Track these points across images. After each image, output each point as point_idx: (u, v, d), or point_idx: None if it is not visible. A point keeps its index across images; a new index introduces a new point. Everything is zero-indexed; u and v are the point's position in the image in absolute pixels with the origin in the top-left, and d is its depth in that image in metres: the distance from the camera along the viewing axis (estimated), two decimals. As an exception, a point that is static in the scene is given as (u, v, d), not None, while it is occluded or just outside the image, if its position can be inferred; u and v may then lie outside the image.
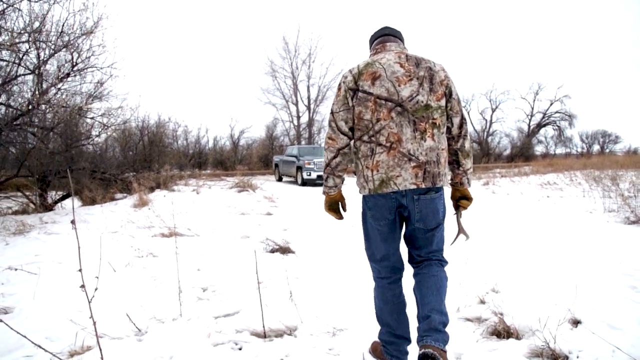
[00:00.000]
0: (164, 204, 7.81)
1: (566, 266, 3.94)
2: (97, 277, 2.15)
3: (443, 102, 1.98)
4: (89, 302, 1.79)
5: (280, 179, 19.06)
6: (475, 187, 13.38)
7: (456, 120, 2.05)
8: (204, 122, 58.83)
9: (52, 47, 7.62)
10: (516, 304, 2.96)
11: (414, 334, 2.00)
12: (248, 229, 5.97)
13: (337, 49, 44.83)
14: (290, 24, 56.01)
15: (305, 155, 16.31)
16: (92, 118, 9.99)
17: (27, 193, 9.57)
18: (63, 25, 7.52)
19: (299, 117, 32.10)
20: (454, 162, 2.14)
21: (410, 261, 2.17)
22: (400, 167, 1.90)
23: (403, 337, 2.14)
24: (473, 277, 3.54)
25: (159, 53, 58.48)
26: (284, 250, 4.55)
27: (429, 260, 2.09)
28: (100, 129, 9.87)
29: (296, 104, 31.96)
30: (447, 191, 2.23)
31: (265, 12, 56.62)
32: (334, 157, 2.08)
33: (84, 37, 7.93)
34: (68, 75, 8.73)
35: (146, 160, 13.67)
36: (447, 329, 1.87)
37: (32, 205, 9.03)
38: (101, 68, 8.95)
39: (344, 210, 2.28)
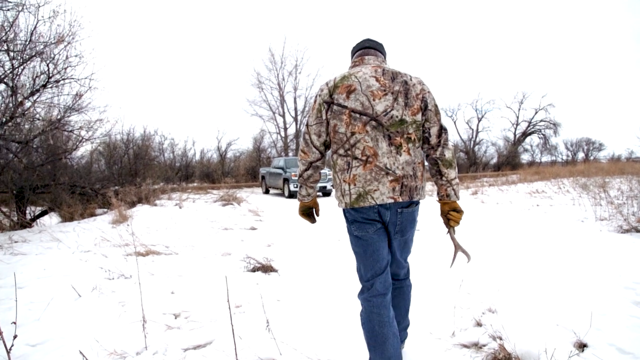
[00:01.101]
0: (144, 220, 7.50)
1: (564, 281, 3.73)
2: (15, 323, 1.83)
3: (419, 117, 1.98)
4: (8, 352, 1.49)
5: (267, 192, 18.75)
6: (464, 197, 13.24)
7: (434, 130, 2.02)
8: (191, 134, 58.33)
9: (24, 56, 7.28)
10: (515, 325, 2.73)
11: None
12: (230, 246, 5.69)
13: (323, 61, 44.95)
14: (276, 35, 56.00)
15: (292, 167, 16.05)
16: (70, 131, 9.68)
17: (4, 209, 9.19)
18: (32, 33, 7.20)
19: (286, 129, 31.83)
20: (437, 173, 2.09)
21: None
22: (378, 181, 1.91)
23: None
24: (467, 297, 3.30)
25: (144, 65, 58.11)
26: (266, 268, 4.28)
27: (402, 282, 2.27)
28: (78, 143, 9.49)
29: (283, 116, 31.72)
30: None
31: (251, 23, 56.75)
32: (306, 170, 2.13)
33: (57, 45, 7.61)
34: (44, 86, 8.42)
35: (131, 174, 13.35)
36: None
37: (9, 222, 8.66)
38: (78, 79, 8.65)
39: (317, 215, 2.36)
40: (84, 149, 14.42)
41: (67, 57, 8.34)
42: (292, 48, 45.91)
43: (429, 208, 9.91)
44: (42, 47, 7.47)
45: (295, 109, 31.50)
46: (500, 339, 2.50)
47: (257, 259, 4.43)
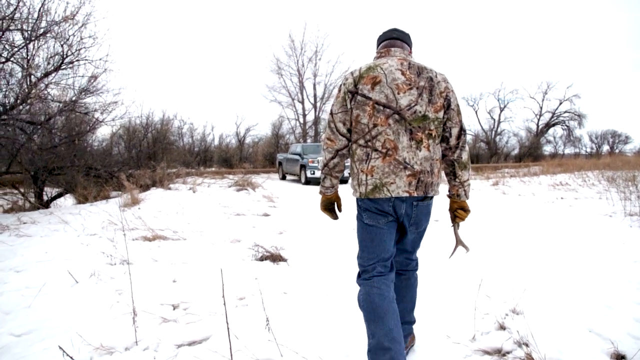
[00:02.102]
0: (156, 204, 7.37)
1: (594, 281, 3.44)
2: None
3: (441, 114, 1.98)
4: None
5: (283, 178, 18.59)
6: (484, 188, 12.89)
7: (455, 131, 2.03)
8: (210, 119, 58.47)
9: (37, 34, 7.14)
10: (543, 330, 2.47)
11: None
12: (240, 232, 5.50)
13: (344, 47, 44.41)
14: (297, 21, 55.39)
15: (309, 153, 15.82)
16: (85, 113, 9.60)
17: (23, 190, 9.20)
18: (42, 11, 7.04)
19: (304, 115, 31.55)
20: (451, 174, 2.12)
21: (396, 266, 2.23)
22: (395, 174, 1.92)
23: (398, 341, 1.85)
24: (489, 295, 3.04)
25: (165, 50, 58.24)
26: (275, 258, 4.07)
27: (409, 272, 2.26)
28: (92, 125, 9.41)
29: (302, 102, 31.42)
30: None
31: (272, 8, 56.13)
32: (332, 158, 2.09)
33: (66, 22, 7.44)
34: (58, 68, 8.31)
35: (150, 158, 13.30)
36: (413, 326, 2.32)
37: (26, 203, 8.67)
38: (92, 61, 8.51)
39: (340, 210, 2.29)
40: (104, 132, 14.45)
41: (81, 38, 8.20)
42: (313, 34, 45.18)
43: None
44: (55, 26, 7.30)
45: (315, 95, 31.19)
46: (527, 345, 2.24)
47: (266, 248, 4.23)
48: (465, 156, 2.08)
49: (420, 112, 1.92)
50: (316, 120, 30.89)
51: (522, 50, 61.05)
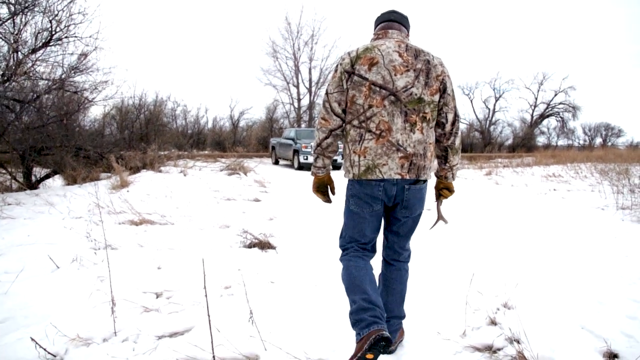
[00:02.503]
0: (145, 187, 7.24)
1: (585, 275, 3.40)
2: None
3: (436, 97, 1.98)
4: None
5: (276, 162, 18.47)
6: (477, 178, 12.89)
7: (450, 117, 2.04)
8: (204, 101, 57.96)
9: (24, 7, 6.91)
10: (534, 325, 2.41)
11: None
12: (230, 218, 5.41)
13: (340, 32, 43.92)
14: (294, 4, 54.63)
15: (303, 138, 15.70)
16: (74, 92, 9.39)
17: (11, 170, 9.02)
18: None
19: (299, 100, 31.22)
20: (442, 158, 2.15)
21: (384, 254, 2.24)
22: (388, 155, 1.92)
23: (378, 305, 1.90)
24: (480, 290, 2.98)
25: (160, 31, 57.37)
26: (263, 245, 3.99)
27: (399, 263, 2.20)
28: (80, 104, 9.21)
29: (297, 86, 31.06)
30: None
31: (269, -10, 55.27)
32: (326, 138, 2.08)
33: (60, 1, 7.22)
34: (46, 44, 8.09)
35: (142, 140, 13.11)
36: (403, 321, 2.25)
37: (15, 183, 8.51)
38: (82, 38, 8.28)
39: (333, 193, 2.29)
40: (96, 113, 14.27)
41: (70, 14, 7.97)
42: (309, 17, 44.78)
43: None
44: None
45: (310, 80, 30.84)
46: (519, 342, 2.18)
47: (255, 234, 4.14)
48: (457, 142, 2.10)
49: (416, 94, 1.92)
50: (311, 105, 30.62)
51: (519, 40, 60.83)
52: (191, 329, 2.29)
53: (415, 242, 3.96)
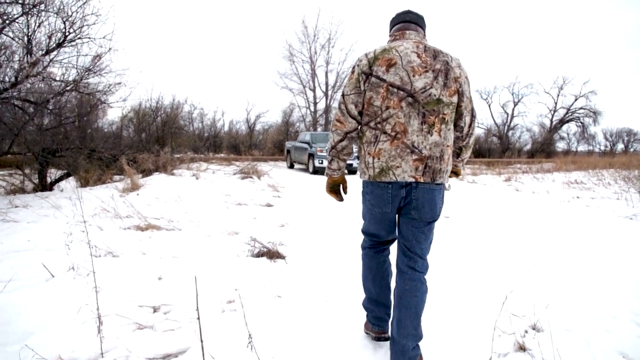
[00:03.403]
0: (155, 190, 7.09)
1: (620, 292, 3.12)
2: None
3: (455, 99, 1.95)
4: None
5: (291, 166, 18.27)
6: (497, 184, 12.53)
7: (467, 119, 2.04)
8: (221, 105, 58.14)
9: (34, 4, 6.84)
10: (568, 350, 2.15)
11: None
12: (240, 224, 5.21)
13: (357, 35, 43.60)
14: (310, 7, 54.49)
15: (318, 142, 15.45)
16: (88, 94, 9.33)
17: (27, 172, 9.00)
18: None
19: (315, 104, 31.08)
20: (455, 155, 2.20)
21: (397, 262, 2.13)
22: (402, 158, 1.90)
23: (383, 304, 2.26)
24: (508, 309, 2.71)
25: (177, 34, 57.86)
26: (272, 254, 3.76)
27: (413, 271, 2.04)
28: (92, 106, 9.14)
29: (313, 90, 30.93)
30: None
31: (286, -6, 55.27)
32: (341, 140, 2.08)
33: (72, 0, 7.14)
34: (60, 45, 8.03)
35: (159, 142, 13.09)
36: (420, 343, 2.03)
37: (30, 185, 8.47)
38: (95, 39, 8.20)
39: (345, 192, 2.31)
40: (115, 115, 14.41)
41: (83, 15, 7.90)
42: (326, 21, 44.57)
43: (461, 194, 9.25)
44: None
45: (327, 83, 30.70)
46: (553, 374, 1.93)
47: (263, 243, 3.93)
48: (472, 140, 2.16)
49: (435, 95, 1.89)
50: (327, 109, 30.44)
51: (539, 44, 59.70)
52: (186, 351, 2.08)
53: (434, 256, 3.71)
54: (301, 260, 3.79)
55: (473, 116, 2.07)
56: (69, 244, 3.33)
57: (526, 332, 2.45)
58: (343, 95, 2.03)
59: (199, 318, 1.57)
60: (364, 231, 2.30)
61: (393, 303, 2.08)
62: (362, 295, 2.78)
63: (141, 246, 3.86)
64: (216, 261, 3.56)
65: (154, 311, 2.55)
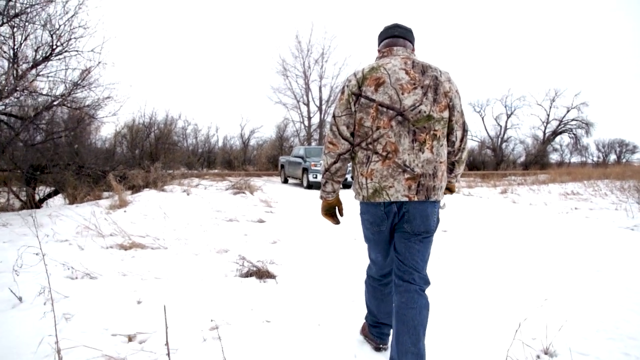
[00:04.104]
0: (144, 206, 6.85)
1: (629, 308, 2.91)
2: None
3: (446, 114, 1.92)
4: None
5: (285, 181, 18.07)
6: (493, 196, 12.39)
7: (459, 134, 2.01)
8: (215, 120, 58.02)
9: (11, 16, 6.67)
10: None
11: None
12: (230, 241, 4.98)
13: (350, 50, 43.78)
14: (304, 22, 54.70)
15: (312, 156, 15.27)
16: (76, 109, 9.12)
17: (15, 188, 8.74)
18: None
19: (309, 118, 30.98)
20: (448, 170, 2.14)
21: (393, 278, 2.05)
22: (394, 177, 1.88)
23: (385, 324, 2.28)
24: (513, 328, 2.50)
25: (171, 50, 58.01)
26: (262, 274, 3.53)
27: (409, 284, 1.95)
28: (79, 121, 8.93)
29: (307, 105, 30.86)
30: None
31: (279, 9, 55.72)
32: (334, 163, 2.04)
33: (60, 14, 6.99)
34: (47, 59, 7.84)
35: (152, 158, 12.93)
36: None
37: (17, 202, 8.24)
38: (82, 52, 8.02)
39: (341, 215, 2.27)
40: (108, 131, 14.39)
41: (71, 28, 7.73)
42: (320, 35, 44.63)
43: (458, 207, 9.06)
44: (34, 8, 6.82)
45: (320, 98, 30.65)
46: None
47: (253, 262, 3.69)
48: (465, 155, 2.10)
49: (425, 111, 1.87)
50: (321, 123, 30.35)
51: (531, 57, 60.43)
52: (160, 389, 1.85)
53: (436, 273, 3.50)
54: (293, 279, 3.57)
55: (465, 130, 2.03)
56: (43, 265, 3.09)
57: (538, 357, 2.24)
58: (334, 116, 2.00)
59: (168, 354, 1.34)
60: (369, 254, 2.27)
61: (393, 322, 1.98)
62: (359, 317, 2.66)
63: (123, 266, 3.62)
64: (202, 282, 3.33)
65: (129, 340, 2.31)
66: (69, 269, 3.33)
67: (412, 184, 1.86)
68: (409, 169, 1.86)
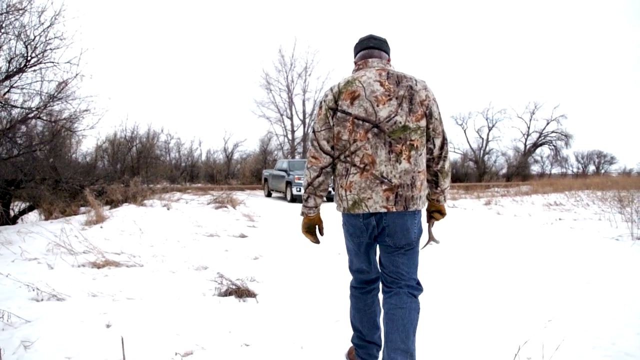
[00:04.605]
0: (121, 222, 6.61)
1: (623, 322, 2.81)
2: None
3: (423, 123, 1.92)
4: None
5: (269, 194, 17.88)
6: (477, 208, 12.39)
7: (437, 142, 1.99)
8: (198, 134, 57.60)
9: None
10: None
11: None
12: (209, 257, 4.79)
13: (334, 63, 43.84)
14: (287, 36, 54.84)
15: (296, 169, 15.13)
16: (53, 122, 8.86)
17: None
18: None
19: (293, 132, 30.91)
20: (433, 183, 2.09)
21: (383, 284, 2.07)
22: (372, 189, 1.88)
23: (373, 342, 2.17)
24: (507, 346, 2.37)
25: (153, 63, 57.62)
26: (241, 293, 3.35)
27: (398, 288, 1.97)
28: (55, 134, 8.67)
29: (291, 118, 30.80)
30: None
31: (261, 23, 55.84)
32: (317, 176, 2.03)
33: (35, 25, 6.78)
34: (21, 70, 7.61)
35: (134, 172, 12.70)
36: None
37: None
38: (58, 63, 7.79)
39: (321, 234, 2.21)
40: (89, 146, 14.23)
41: (47, 39, 7.52)
42: (303, 50, 44.72)
43: (442, 219, 8.96)
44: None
45: (304, 111, 30.65)
46: None
47: (232, 280, 3.51)
48: (447, 165, 2.05)
49: (400, 122, 1.87)
50: (305, 137, 30.28)
51: (511, 70, 61.37)
52: None
53: (427, 286, 3.39)
54: (274, 297, 3.40)
55: (444, 138, 2.00)
56: (5, 286, 2.88)
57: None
58: (314, 131, 2.02)
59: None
60: (350, 268, 2.24)
61: (383, 324, 1.98)
62: (345, 338, 2.56)
63: (94, 286, 3.41)
64: (178, 302, 3.15)
65: (94, 369, 2.12)
66: (34, 290, 3.11)
67: (390, 195, 1.87)
68: (386, 180, 1.87)
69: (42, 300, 3.03)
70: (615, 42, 62.89)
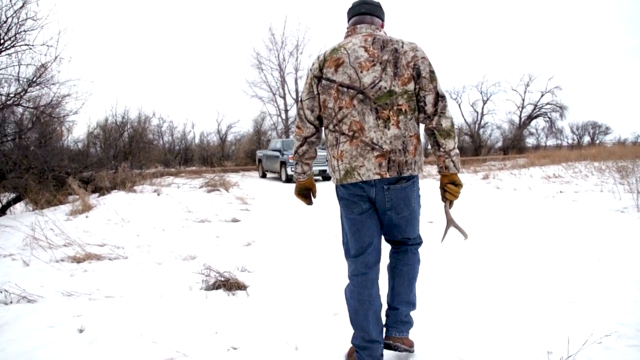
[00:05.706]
0: (108, 211, 6.32)
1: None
2: None
3: (410, 86, 1.85)
4: None
5: (264, 175, 17.60)
6: (475, 182, 12.15)
7: (429, 98, 1.86)
8: (191, 117, 56.76)
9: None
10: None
11: None
12: (199, 245, 4.53)
13: (325, 41, 43.01)
14: (277, 14, 53.96)
15: (290, 149, 14.80)
16: (34, 108, 8.50)
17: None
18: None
19: (287, 111, 30.40)
20: (434, 144, 1.93)
21: (387, 241, 2.11)
22: (363, 156, 1.85)
23: (377, 341, 1.97)
24: (522, 331, 2.13)
25: (142, 46, 56.55)
26: (231, 285, 3.09)
27: (405, 246, 2.08)
28: (35, 120, 8.32)
29: (284, 97, 30.28)
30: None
31: (251, 1, 54.66)
32: (301, 146, 2.06)
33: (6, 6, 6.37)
34: (-6, 54, 7.22)
35: (127, 158, 12.39)
36: (412, 313, 2.12)
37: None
38: (34, 46, 7.40)
39: (314, 196, 2.25)
40: (80, 132, 13.99)
41: (19, 20, 7.11)
42: (294, 28, 44.12)
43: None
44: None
45: (297, 90, 30.10)
46: None
47: (220, 272, 3.25)
48: (445, 123, 1.88)
49: (385, 87, 1.82)
50: (298, 116, 29.84)
51: (504, 43, 60.80)
52: None
53: (425, 272, 3.15)
54: (267, 289, 3.14)
55: (438, 94, 1.86)
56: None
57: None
58: (301, 100, 2.02)
59: None
60: (347, 254, 2.06)
61: (388, 277, 2.14)
62: (344, 335, 2.35)
63: (70, 284, 3.15)
64: (161, 298, 2.89)
65: (59, 386, 1.87)
66: (2, 291, 2.84)
67: (382, 161, 1.83)
68: (377, 147, 1.83)
69: (10, 303, 2.77)
70: (608, 11, 62.07)
